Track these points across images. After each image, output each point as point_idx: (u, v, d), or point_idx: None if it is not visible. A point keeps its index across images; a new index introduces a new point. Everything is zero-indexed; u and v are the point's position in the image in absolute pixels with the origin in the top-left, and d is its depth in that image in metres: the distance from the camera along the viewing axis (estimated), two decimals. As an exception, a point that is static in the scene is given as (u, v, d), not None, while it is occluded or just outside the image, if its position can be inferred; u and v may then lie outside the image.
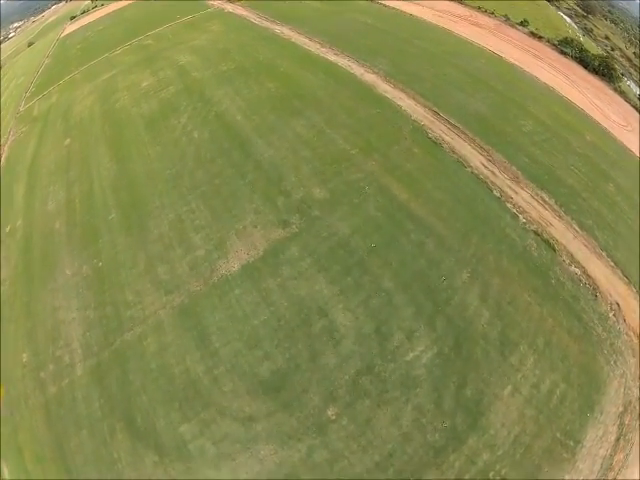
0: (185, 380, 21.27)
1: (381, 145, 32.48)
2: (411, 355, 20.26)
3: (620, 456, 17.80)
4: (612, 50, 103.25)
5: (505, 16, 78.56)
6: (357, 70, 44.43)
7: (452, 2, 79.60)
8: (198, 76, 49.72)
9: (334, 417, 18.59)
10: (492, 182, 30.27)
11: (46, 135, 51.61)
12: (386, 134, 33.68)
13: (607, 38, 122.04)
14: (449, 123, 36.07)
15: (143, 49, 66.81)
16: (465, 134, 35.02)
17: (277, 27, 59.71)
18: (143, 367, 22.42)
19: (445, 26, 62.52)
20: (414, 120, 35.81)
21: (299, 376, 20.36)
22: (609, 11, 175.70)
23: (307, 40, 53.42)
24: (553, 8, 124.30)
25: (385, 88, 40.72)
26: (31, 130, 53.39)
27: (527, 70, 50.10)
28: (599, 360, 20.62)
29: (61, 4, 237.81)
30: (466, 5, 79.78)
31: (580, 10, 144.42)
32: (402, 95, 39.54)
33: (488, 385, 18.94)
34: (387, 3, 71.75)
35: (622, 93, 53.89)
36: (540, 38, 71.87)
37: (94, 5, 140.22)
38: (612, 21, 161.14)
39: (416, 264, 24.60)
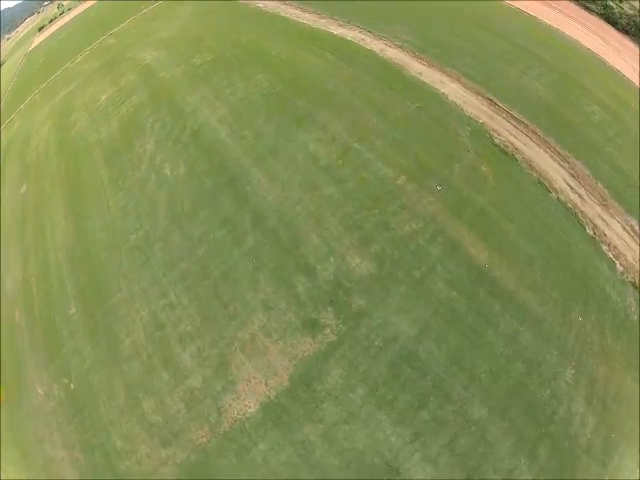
0: None
1: (437, 164, 21.21)
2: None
3: None
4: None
5: None
6: (374, 45, 32.31)
7: None
8: (166, 77, 38.60)
9: None
10: (582, 212, 20.74)
11: (4, 180, 42.17)
12: (439, 144, 22.28)
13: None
14: (513, 117, 24.57)
15: (105, 51, 55.66)
16: (536, 133, 23.75)
17: (261, 2, 47.17)
18: None
19: None
20: (470, 117, 24.18)
21: None
22: None
23: (299, 12, 41.01)
24: None
25: (418, 68, 28.68)
26: (-10, 174, 44.04)
27: (567, 33, 37.67)
28: None
29: (34, 16, 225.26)
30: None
31: None
32: (443, 77, 27.57)
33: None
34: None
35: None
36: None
37: (60, 12, 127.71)
38: None
39: (513, 371, 16.03)
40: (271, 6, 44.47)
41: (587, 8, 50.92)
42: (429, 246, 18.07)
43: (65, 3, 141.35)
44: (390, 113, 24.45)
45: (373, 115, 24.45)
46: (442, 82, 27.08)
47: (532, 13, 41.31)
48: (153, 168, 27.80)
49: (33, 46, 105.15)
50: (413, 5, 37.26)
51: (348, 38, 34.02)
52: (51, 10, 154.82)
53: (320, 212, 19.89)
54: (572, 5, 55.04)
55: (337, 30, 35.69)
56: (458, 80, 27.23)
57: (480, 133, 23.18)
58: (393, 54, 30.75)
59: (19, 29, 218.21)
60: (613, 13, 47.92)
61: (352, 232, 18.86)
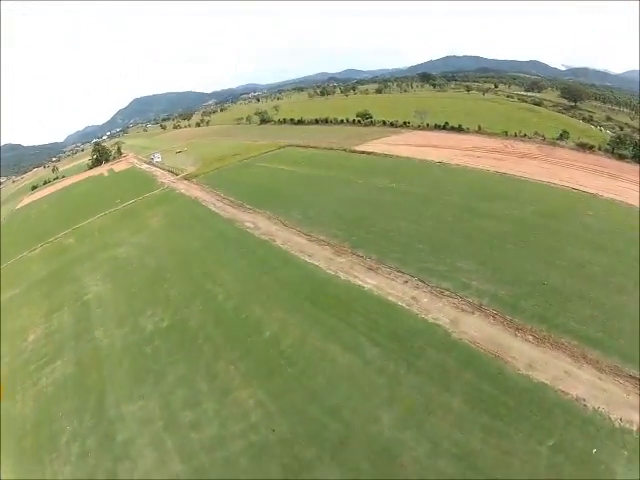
0: None
1: None
2: None
3: None
4: (621, 129, 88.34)
5: (540, 136, 62.25)
6: (426, 304, 20.35)
7: (478, 137, 63.60)
8: (103, 345, 24.97)
9: None
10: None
11: None
12: None
13: (609, 119, 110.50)
14: None
15: (58, 254, 44.72)
16: None
17: (248, 217, 38.61)
18: None
19: (488, 167, 43.20)
20: None
21: None
22: (594, 90, 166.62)
23: (307, 241, 30.97)
24: (544, 110, 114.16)
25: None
26: None
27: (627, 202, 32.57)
28: None
29: (40, 168, 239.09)
30: (492, 136, 64.02)
31: (566, 101, 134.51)
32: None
33: None
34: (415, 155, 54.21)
35: None
36: (591, 149, 55.78)
37: (55, 176, 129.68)
38: (602, 99, 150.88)
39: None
40: (268, 229, 35.05)
41: (620, 156, 51.72)
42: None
43: (61, 169, 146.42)
44: None
45: None
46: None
47: (579, 187, 36.16)
48: None
49: (21, 205, 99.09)
50: (460, 227, 27.21)
51: (389, 299, 22.14)
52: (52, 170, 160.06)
53: None
54: (605, 160, 51.44)
55: (369, 279, 24.33)
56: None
57: None
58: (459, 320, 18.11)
59: (25, 176, 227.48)
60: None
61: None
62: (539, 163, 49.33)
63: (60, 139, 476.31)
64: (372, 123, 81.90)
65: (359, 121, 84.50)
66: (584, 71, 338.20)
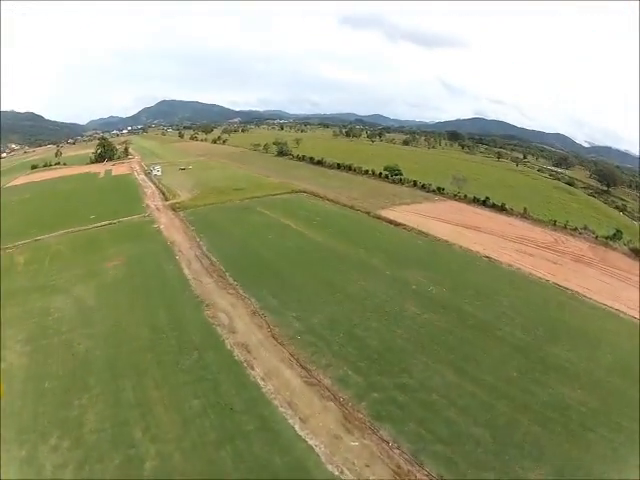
0: None
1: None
2: None
3: None
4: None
5: (589, 231, 52.90)
6: None
7: (523, 222, 54.22)
8: None
9: None
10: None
11: None
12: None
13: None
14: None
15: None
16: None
17: (224, 302, 27.54)
18: None
19: (546, 275, 34.67)
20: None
21: None
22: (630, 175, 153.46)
23: (303, 383, 20.18)
24: (581, 193, 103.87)
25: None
26: None
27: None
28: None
29: (54, 146, 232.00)
30: (539, 224, 54.82)
31: (599, 184, 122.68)
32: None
33: None
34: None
35: None
36: (646, 257, 46.16)
37: (57, 161, 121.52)
38: (634, 186, 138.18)
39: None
40: (265, 347, 24.67)
41: None
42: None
43: (66, 155, 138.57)
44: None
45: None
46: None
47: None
48: None
49: (13, 183, 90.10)
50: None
51: None
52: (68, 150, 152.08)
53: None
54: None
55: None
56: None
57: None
58: None
59: (37, 150, 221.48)
60: None
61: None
62: (598, 274, 40.17)
63: (82, 122, 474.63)
64: (401, 181, 73.11)
65: (387, 176, 75.83)
66: (607, 150, 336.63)
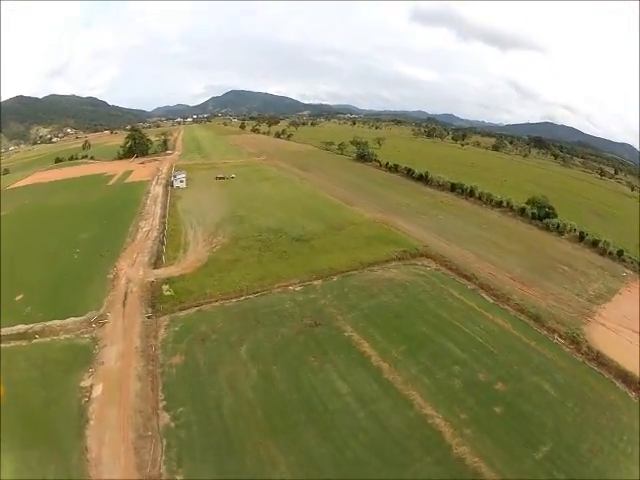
0: None
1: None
2: None
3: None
4: None
5: None
6: None
7: None
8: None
9: None
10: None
11: None
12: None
13: None
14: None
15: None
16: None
17: None
18: None
19: None
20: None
21: None
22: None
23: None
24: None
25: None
26: None
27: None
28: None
29: (108, 132, 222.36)
30: None
31: None
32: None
33: None
34: None
35: None
36: None
37: (84, 154, 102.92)
38: None
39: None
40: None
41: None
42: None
43: (107, 143, 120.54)
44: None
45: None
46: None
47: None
48: None
49: (25, 182, 72.44)
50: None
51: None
52: (99, 141, 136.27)
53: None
54: None
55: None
56: None
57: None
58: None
59: (91, 136, 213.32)
60: None
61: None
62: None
63: (148, 108, 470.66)
64: (558, 229, 42.70)
65: (534, 216, 45.45)
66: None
